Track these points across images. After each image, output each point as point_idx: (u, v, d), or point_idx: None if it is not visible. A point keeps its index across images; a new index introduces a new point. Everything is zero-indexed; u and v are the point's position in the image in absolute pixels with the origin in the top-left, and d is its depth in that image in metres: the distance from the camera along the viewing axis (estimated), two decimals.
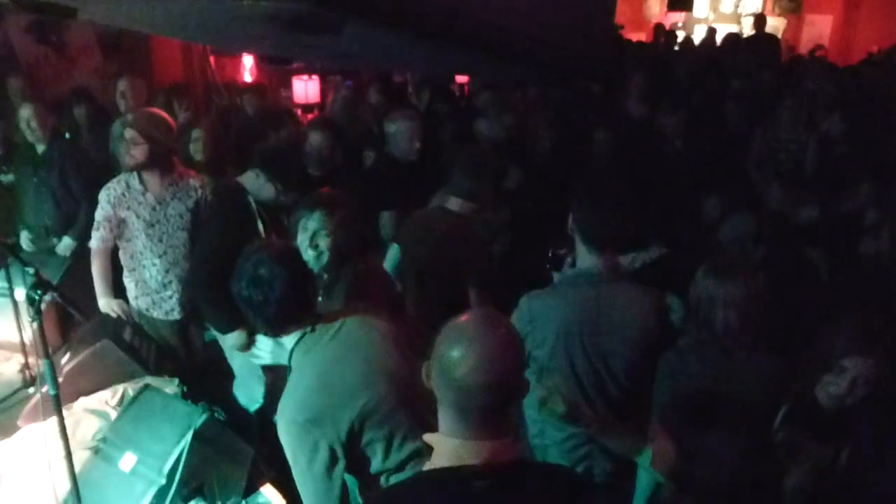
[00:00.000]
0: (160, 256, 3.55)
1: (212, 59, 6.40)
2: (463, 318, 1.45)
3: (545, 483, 1.50)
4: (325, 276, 2.69)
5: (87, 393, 2.76)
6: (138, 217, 3.49)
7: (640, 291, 2.45)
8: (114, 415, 2.64)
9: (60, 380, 2.27)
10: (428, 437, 1.51)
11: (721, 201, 4.24)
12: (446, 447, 1.44)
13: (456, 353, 1.38)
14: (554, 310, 2.41)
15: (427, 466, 1.48)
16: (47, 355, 2.03)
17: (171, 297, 3.62)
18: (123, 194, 3.48)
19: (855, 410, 2.08)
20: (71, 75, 5.81)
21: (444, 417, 1.46)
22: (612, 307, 2.38)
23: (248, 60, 6.77)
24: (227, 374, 3.52)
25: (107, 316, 3.50)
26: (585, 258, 2.43)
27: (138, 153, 3.42)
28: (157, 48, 6.16)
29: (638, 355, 2.40)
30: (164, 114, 3.62)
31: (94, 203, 3.56)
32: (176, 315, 3.64)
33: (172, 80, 5.96)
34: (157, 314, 3.63)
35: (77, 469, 2.18)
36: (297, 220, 2.65)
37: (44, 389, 2.08)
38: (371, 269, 2.91)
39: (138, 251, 3.54)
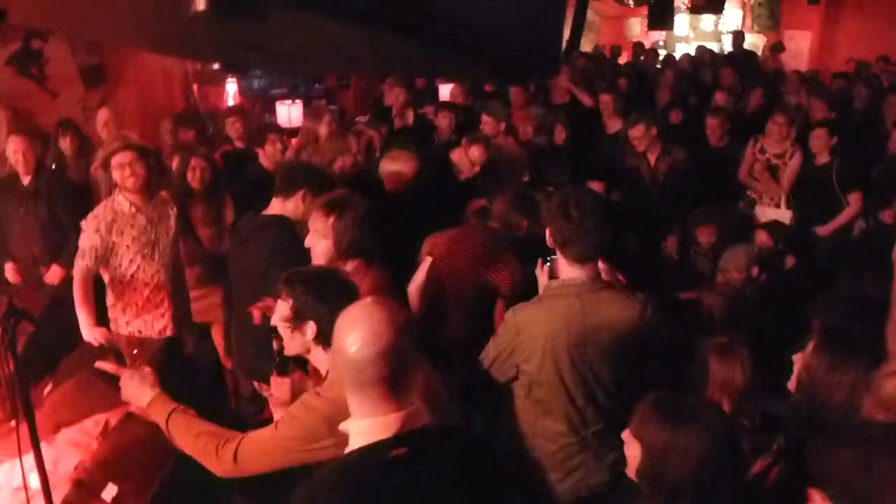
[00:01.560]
0: (153, 276, 3.61)
1: (195, 86, 6.42)
2: (352, 305, 1.61)
3: (456, 444, 1.65)
4: None
5: (69, 423, 2.71)
6: (133, 239, 3.53)
7: (626, 299, 2.45)
8: (95, 445, 2.60)
9: (41, 409, 2.23)
10: (342, 427, 1.60)
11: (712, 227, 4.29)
12: (359, 429, 1.56)
13: (348, 334, 1.53)
14: (540, 321, 2.41)
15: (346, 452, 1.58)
16: (23, 386, 1.99)
17: (163, 315, 3.65)
18: (114, 220, 3.49)
19: None
20: (53, 107, 5.79)
21: (352, 402, 1.57)
22: (598, 316, 2.38)
23: (230, 87, 6.78)
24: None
25: (90, 345, 3.47)
26: (568, 270, 2.43)
27: (136, 177, 3.47)
28: (140, 77, 6.17)
29: (626, 363, 2.41)
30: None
31: (80, 232, 3.55)
32: (169, 332, 3.67)
33: (155, 108, 5.97)
34: (150, 334, 3.63)
35: (57, 503, 2.13)
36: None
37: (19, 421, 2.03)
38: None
39: (130, 273, 3.56)
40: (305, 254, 2.79)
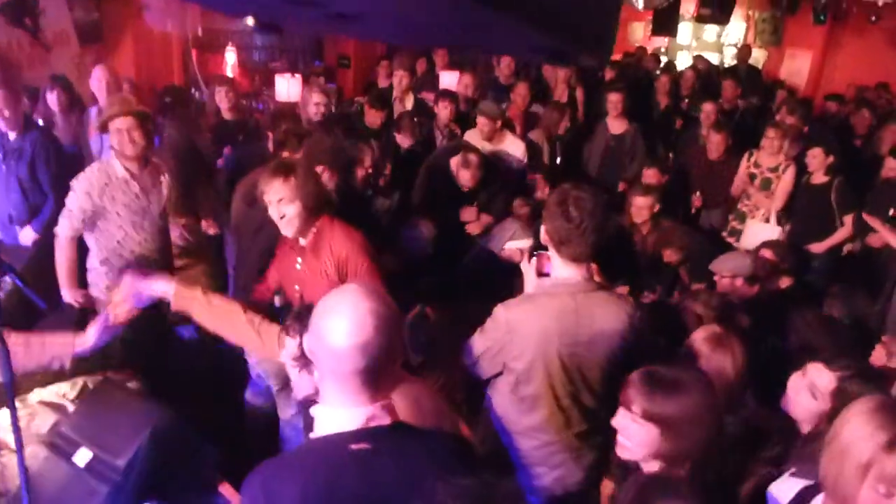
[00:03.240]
0: (141, 243, 3.57)
1: (194, 52, 6.30)
2: (336, 291, 1.53)
3: (425, 443, 1.57)
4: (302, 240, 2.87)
5: (44, 384, 2.65)
6: (124, 206, 3.47)
7: (617, 301, 2.44)
8: (71, 408, 2.54)
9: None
10: (313, 411, 1.55)
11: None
12: (327, 416, 1.52)
13: (330, 321, 1.46)
14: (533, 319, 2.38)
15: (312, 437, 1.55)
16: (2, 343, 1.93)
17: None
18: (107, 184, 3.41)
19: None
20: (46, 62, 5.66)
21: (324, 389, 1.53)
22: (591, 317, 2.36)
23: (230, 56, 6.67)
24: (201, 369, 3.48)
25: (70, 307, 3.42)
26: (562, 269, 2.41)
27: (134, 144, 3.42)
28: (138, 40, 6.05)
29: (614, 365, 2.39)
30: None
31: (62, 195, 3.49)
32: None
33: (152, 72, 5.86)
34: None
35: (29, 463, 2.08)
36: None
37: None
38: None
39: (118, 239, 3.51)
40: None
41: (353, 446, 1.45)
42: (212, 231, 4.27)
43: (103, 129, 3.50)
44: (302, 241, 2.91)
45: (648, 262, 4.27)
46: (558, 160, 5.91)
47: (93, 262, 3.56)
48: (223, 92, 5.27)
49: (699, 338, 2.44)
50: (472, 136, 5.12)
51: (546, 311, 2.37)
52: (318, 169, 3.30)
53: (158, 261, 3.68)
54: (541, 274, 2.51)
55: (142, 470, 2.28)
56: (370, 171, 4.14)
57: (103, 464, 2.28)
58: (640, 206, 4.47)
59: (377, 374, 1.48)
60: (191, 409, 2.66)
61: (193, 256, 4.26)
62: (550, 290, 2.42)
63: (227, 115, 5.29)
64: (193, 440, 2.52)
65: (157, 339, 3.68)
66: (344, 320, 1.44)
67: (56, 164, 4.31)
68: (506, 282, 3.23)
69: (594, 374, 2.41)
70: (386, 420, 1.50)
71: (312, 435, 1.54)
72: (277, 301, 2.86)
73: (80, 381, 2.65)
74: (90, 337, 2.48)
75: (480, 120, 5.10)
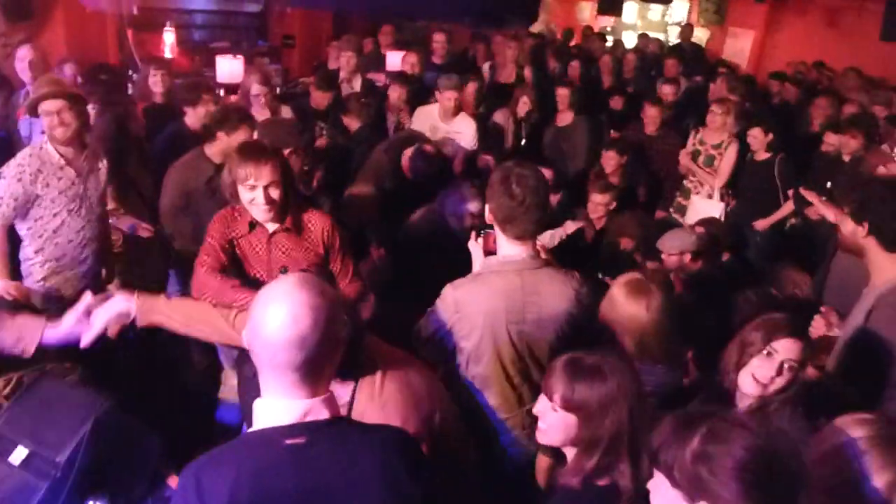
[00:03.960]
0: (79, 231, 3.43)
1: (129, 32, 6.06)
2: (275, 282, 1.50)
3: (367, 438, 1.52)
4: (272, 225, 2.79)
5: None
6: (60, 192, 3.32)
7: (563, 277, 2.46)
8: (5, 405, 2.43)
9: None
10: (254, 404, 1.51)
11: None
12: (264, 410, 1.48)
13: (266, 312, 1.42)
14: (479, 298, 2.38)
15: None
16: None
17: (85, 274, 3.49)
18: (39, 170, 3.26)
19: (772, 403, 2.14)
20: None
21: (263, 381, 1.49)
22: (538, 294, 2.38)
23: (168, 36, 6.43)
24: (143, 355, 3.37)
25: (2, 299, 3.27)
26: (507, 247, 2.41)
27: (65, 127, 3.26)
28: (70, 19, 5.77)
29: (562, 340, 2.41)
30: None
31: None
32: (90, 291, 3.45)
33: (85, 53, 5.60)
34: (69, 292, 3.43)
35: None
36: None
37: None
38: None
39: (53, 228, 3.36)
40: None
41: (288, 441, 1.42)
42: (145, 234, 3.96)
43: (32, 111, 3.34)
44: (272, 226, 2.79)
45: (606, 251, 4.34)
46: (523, 142, 5.91)
47: (26, 252, 3.41)
48: (158, 75, 5.06)
49: (618, 283, 2.50)
50: (428, 114, 5.07)
51: (493, 289, 2.37)
52: (286, 152, 3.18)
53: (97, 250, 3.56)
54: (488, 252, 2.52)
55: (83, 465, 2.21)
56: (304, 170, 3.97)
57: (42, 460, 2.21)
58: (597, 203, 4.53)
59: (315, 368, 1.45)
60: (143, 402, 2.61)
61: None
62: (497, 269, 2.42)
63: (159, 99, 5.07)
64: (139, 432, 2.45)
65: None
66: (280, 312, 1.40)
67: None
68: (453, 246, 3.20)
69: (543, 350, 2.43)
70: (324, 414, 1.47)
71: (251, 429, 1.51)
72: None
73: (13, 377, 2.55)
74: (64, 325, 2.40)
75: (446, 94, 5.01)
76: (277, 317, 1.40)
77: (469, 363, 2.46)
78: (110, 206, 3.91)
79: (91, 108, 4.24)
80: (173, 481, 2.41)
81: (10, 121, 4.62)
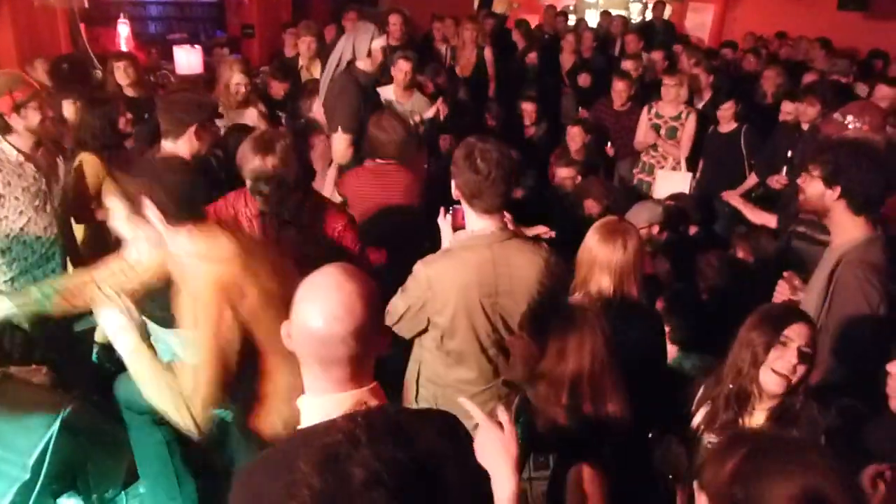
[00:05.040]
0: (46, 228, 3.35)
1: (83, 26, 5.90)
2: (318, 274, 1.44)
3: (416, 425, 1.47)
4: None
5: None
6: (23, 190, 3.23)
7: (532, 248, 2.49)
8: None
9: None
10: (298, 402, 1.48)
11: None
12: (312, 405, 1.46)
13: (314, 307, 1.39)
14: (452, 273, 2.39)
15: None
16: None
17: (53, 271, 3.39)
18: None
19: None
20: None
21: (308, 376, 1.46)
22: (508, 265, 2.40)
23: (123, 29, 6.28)
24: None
25: None
26: (476, 221, 2.43)
27: (29, 122, 3.17)
28: (17, 12, 5.57)
29: (535, 310, 2.43)
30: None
31: None
32: None
33: (36, 49, 5.45)
34: None
35: None
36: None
37: None
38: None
39: (19, 227, 3.27)
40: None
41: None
42: None
43: None
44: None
45: (569, 216, 4.34)
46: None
47: None
48: (122, 67, 4.92)
49: (594, 228, 2.57)
50: (385, 93, 5.01)
51: (464, 264, 2.39)
52: (192, 128, 3.11)
53: (65, 245, 3.48)
54: (456, 228, 2.53)
55: (53, 465, 2.18)
56: None
57: (9, 463, 2.17)
58: (563, 178, 4.53)
59: (365, 358, 1.44)
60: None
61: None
62: (467, 243, 2.44)
63: (129, 91, 4.95)
64: (110, 429, 2.43)
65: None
66: (331, 305, 1.37)
67: None
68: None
69: (517, 321, 2.45)
70: (373, 402, 1.44)
71: (300, 427, 1.47)
72: None
73: None
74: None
75: (398, 65, 4.90)
76: (329, 311, 1.37)
77: (444, 338, 2.48)
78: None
79: (72, 104, 4.19)
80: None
81: None
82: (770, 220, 3.61)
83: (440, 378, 2.56)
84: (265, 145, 2.73)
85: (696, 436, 2.18)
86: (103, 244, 4.03)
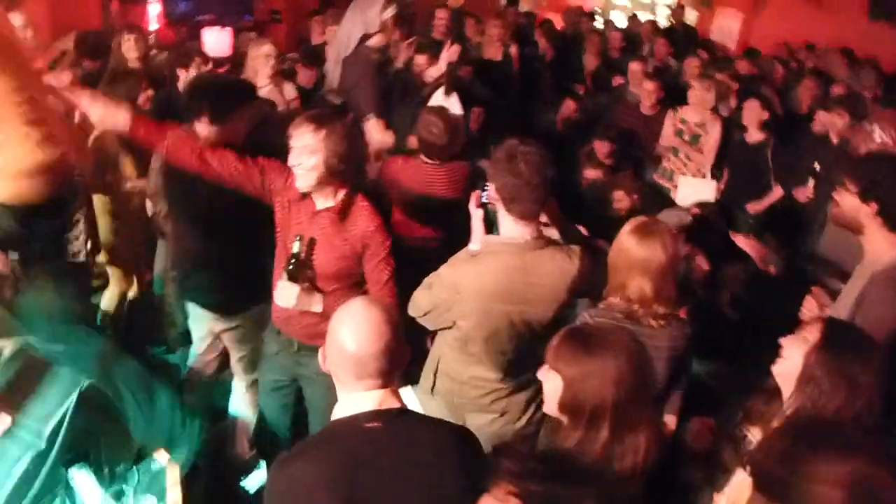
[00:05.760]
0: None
1: (115, 3, 5.91)
2: (348, 306, 1.77)
3: (432, 427, 1.82)
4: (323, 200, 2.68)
5: None
6: None
7: (566, 256, 2.42)
8: None
9: None
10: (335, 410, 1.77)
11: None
12: (343, 402, 1.75)
13: (350, 331, 1.69)
14: (481, 280, 2.35)
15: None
16: None
17: (77, 239, 3.31)
18: None
19: None
20: None
21: (344, 387, 1.76)
22: (539, 275, 2.35)
23: (153, 8, 6.29)
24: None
25: None
26: (511, 227, 2.37)
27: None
28: None
29: (562, 314, 2.42)
30: None
31: None
32: (82, 257, 3.37)
33: (68, 23, 5.47)
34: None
35: None
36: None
37: None
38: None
39: None
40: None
41: (367, 424, 1.67)
42: None
43: None
44: (321, 203, 2.66)
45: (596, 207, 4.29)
46: None
47: None
48: (131, 40, 4.81)
49: (626, 230, 2.42)
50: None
51: (492, 269, 2.35)
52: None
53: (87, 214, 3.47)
54: (478, 205, 2.48)
55: (68, 436, 2.19)
56: None
57: (26, 430, 2.18)
58: (592, 178, 4.50)
59: (393, 372, 1.73)
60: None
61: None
62: (499, 249, 2.38)
63: (133, 64, 4.79)
64: (123, 407, 2.43)
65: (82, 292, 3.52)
66: (364, 329, 1.68)
67: None
68: None
69: (543, 327, 2.41)
70: (395, 404, 1.74)
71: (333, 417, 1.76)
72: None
73: None
74: None
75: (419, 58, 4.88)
76: (362, 333, 1.68)
77: (467, 341, 2.46)
78: (130, 177, 3.91)
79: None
80: (160, 454, 2.41)
81: None
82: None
83: (458, 374, 2.54)
84: (321, 119, 2.59)
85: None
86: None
